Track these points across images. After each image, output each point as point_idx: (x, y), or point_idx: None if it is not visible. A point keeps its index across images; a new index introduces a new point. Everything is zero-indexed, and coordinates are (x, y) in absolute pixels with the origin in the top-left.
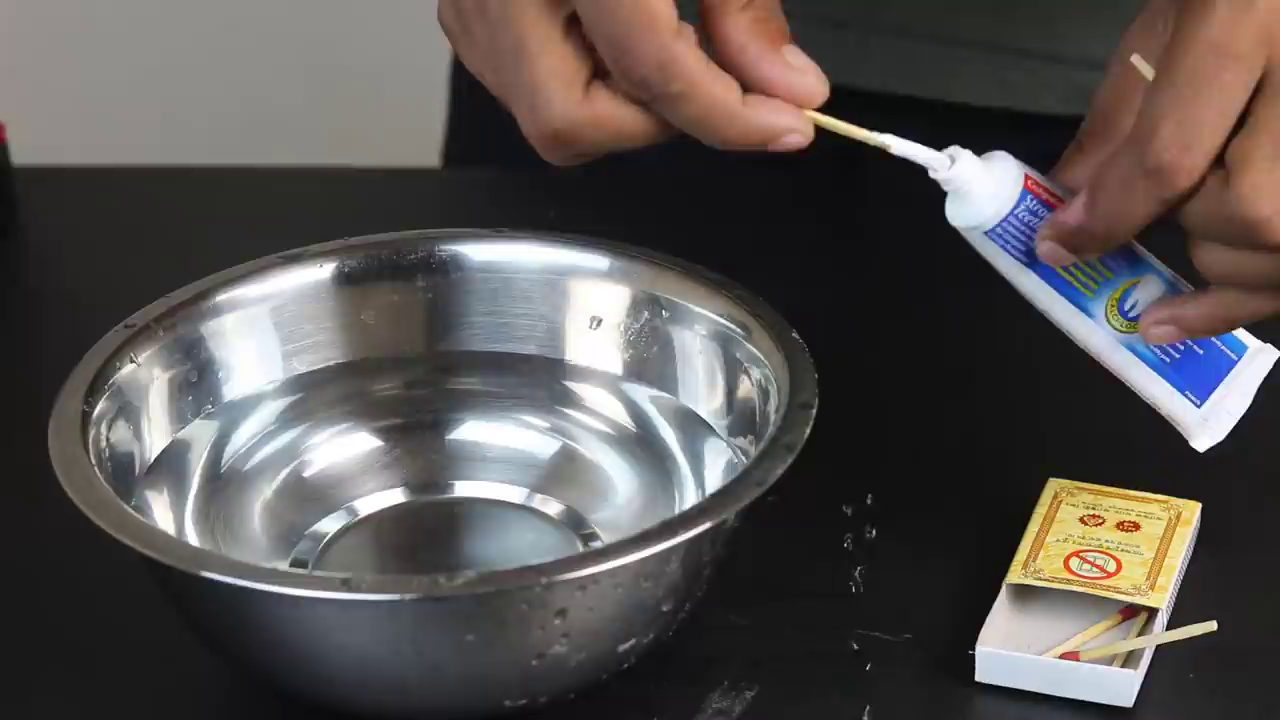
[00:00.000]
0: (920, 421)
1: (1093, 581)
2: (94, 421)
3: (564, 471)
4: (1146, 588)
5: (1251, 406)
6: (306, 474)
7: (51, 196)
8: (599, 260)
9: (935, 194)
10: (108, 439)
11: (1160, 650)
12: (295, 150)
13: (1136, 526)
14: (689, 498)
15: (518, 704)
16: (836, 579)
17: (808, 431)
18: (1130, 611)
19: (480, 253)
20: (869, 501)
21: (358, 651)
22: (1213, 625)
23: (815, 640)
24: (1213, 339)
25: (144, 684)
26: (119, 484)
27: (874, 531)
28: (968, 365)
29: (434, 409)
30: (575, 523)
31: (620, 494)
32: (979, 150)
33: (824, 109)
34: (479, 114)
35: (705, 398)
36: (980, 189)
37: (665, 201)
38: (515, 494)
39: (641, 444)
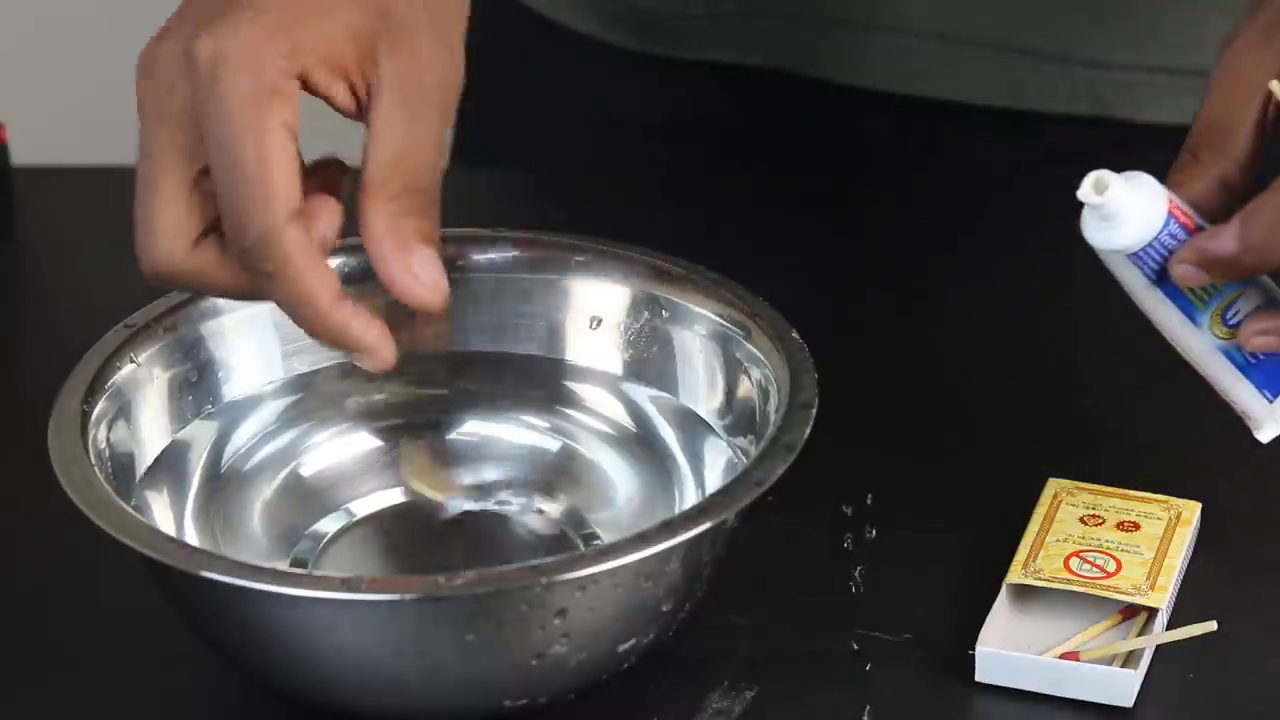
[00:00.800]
0: (920, 421)
1: (1093, 581)
2: (94, 421)
3: (564, 471)
4: (1146, 588)
5: None
6: (306, 474)
7: (51, 196)
8: (599, 260)
9: (935, 194)
10: (108, 439)
11: (1160, 650)
12: None
13: (1136, 526)
14: (689, 498)
15: (518, 704)
16: (836, 579)
17: (808, 431)
18: (1130, 611)
19: (480, 253)
20: (869, 501)
21: (358, 652)
22: (1213, 625)
23: (815, 640)
24: None
25: (144, 684)
26: (119, 484)
27: (874, 531)
28: (968, 365)
29: (434, 409)
30: (575, 523)
31: (620, 494)
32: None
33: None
34: (483, 115)
35: (705, 398)
36: (1130, 213)
37: (665, 201)
38: (515, 494)
39: (641, 444)
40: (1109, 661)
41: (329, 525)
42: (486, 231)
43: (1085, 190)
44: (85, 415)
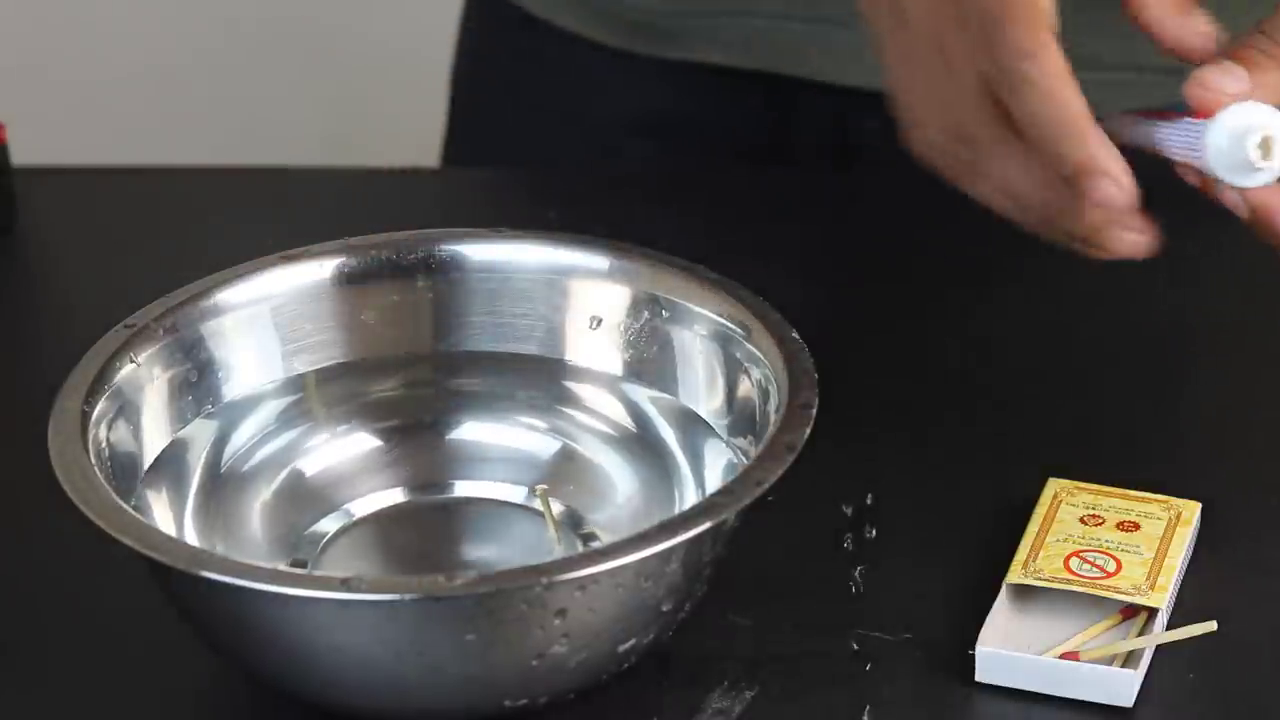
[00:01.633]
0: (920, 421)
1: (1093, 581)
2: (94, 421)
3: (564, 471)
4: (1146, 588)
5: (1252, 407)
6: (306, 474)
7: (51, 196)
8: (599, 260)
9: (935, 194)
10: (108, 439)
11: (1160, 650)
12: (295, 150)
13: (1136, 526)
14: (689, 498)
15: (518, 704)
16: (836, 579)
17: (808, 431)
18: (1130, 611)
19: (480, 253)
20: (869, 501)
21: (358, 652)
22: (1213, 625)
23: (815, 640)
24: None
25: (145, 684)
26: (119, 484)
27: (874, 531)
28: (968, 365)
29: (434, 409)
30: (575, 523)
31: (620, 494)
32: None
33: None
34: (479, 115)
35: (705, 398)
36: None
37: (665, 201)
38: (515, 494)
39: (641, 444)
40: (1109, 661)
41: (329, 525)
42: (486, 231)
43: (1251, 146)
44: (85, 415)
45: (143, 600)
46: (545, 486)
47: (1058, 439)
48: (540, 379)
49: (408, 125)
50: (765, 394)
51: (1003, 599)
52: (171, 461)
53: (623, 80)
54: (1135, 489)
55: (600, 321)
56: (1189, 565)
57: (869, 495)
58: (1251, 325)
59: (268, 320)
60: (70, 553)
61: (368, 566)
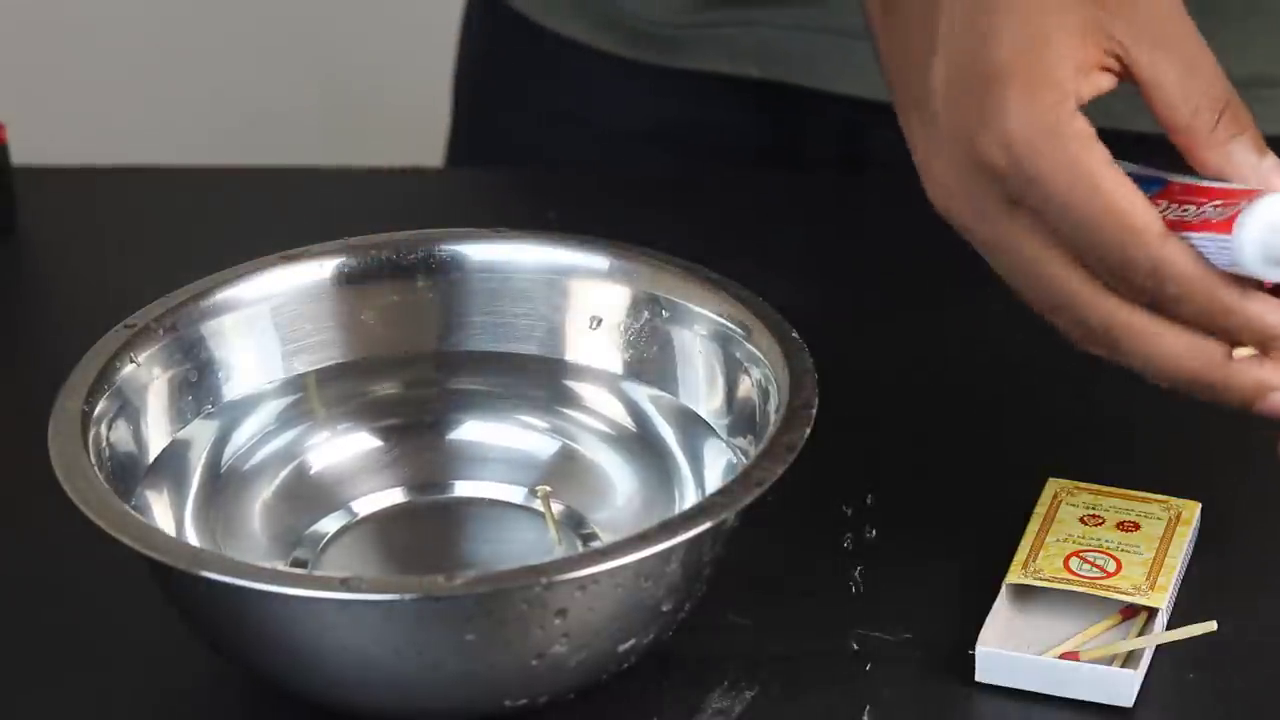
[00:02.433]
0: (920, 421)
1: (1093, 581)
2: (94, 421)
3: (564, 471)
4: (1146, 588)
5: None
6: (306, 474)
7: (51, 196)
8: (599, 260)
9: None
10: (108, 439)
11: (1160, 650)
12: (295, 150)
13: (1136, 526)
14: (689, 498)
15: (518, 704)
16: (836, 579)
17: (808, 431)
18: (1130, 611)
19: (480, 253)
20: (869, 501)
21: (358, 651)
22: (1213, 625)
23: (815, 640)
24: None
25: (144, 684)
26: (119, 484)
27: (874, 531)
28: (968, 365)
29: (434, 409)
30: (575, 523)
31: (620, 494)
32: None
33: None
34: (484, 120)
35: (705, 398)
36: None
37: (665, 201)
38: (515, 494)
39: (641, 444)
40: (1109, 661)
41: (329, 525)
42: (486, 231)
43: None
44: (85, 415)
45: (143, 600)
46: (548, 488)
47: (1058, 439)
48: (540, 379)
49: (409, 126)
50: (765, 394)
51: (1003, 599)
52: (171, 461)
53: (631, 89)
54: (1135, 489)
55: (600, 321)
56: (1189, 565)
57: (869, 495)
58: None
59: (268, 320)
60: (70, 553)
61: (368, 566)
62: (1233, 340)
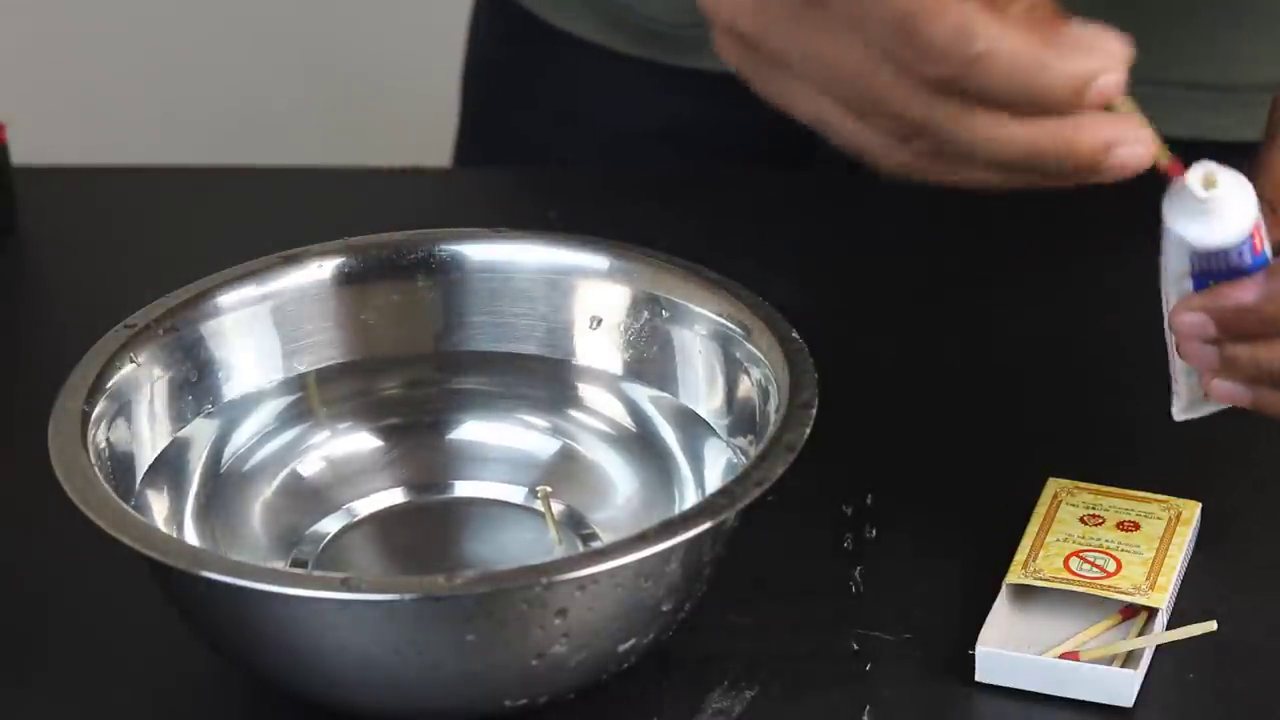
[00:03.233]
0: (920, 421)
1: (1093, 581)
2: (94, 421)
3: (564, 471)
4: (1146, 588)
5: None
6: (306, 474)
7: (51, 196)
8: (599, 260)
9: (936, 195)
10: (108, 439)
11: (1160, 650)
12: (296, 150)
13: (1136, 526)
14: (689, 498)
15: (518, 704)
16: (836, 579)
17: (808, 431)
18: (1130, 611)
19: (480, 253)
20: (869, 501)
21: (358, 651)
22: (1213, 625)
23: (815, 640)
24: None
25: (144, 684)
26: (119, 484)
27: (874, 531)
28: (968, 365)
29: (434, 409)
30: (575, 523)
31: (620, 494)
32: None
33: None
34: (491, 120)
35: (705, 398)
36: (1221, 217)
37: (665, 201)
38: (515, 494)
39: (641, 444)
40: (1109, 661)
41: (329, 525)
42: (487, 231)
43: (1193, 181)
44: (85, 415)
45: (143, 600)
46: (548, 488)
47: (1058, 439)
48: (540, 379)
49: (410, 126)
50: (765, 394)
51: (1003, 599)
52: (171, 461)
53: (641, 88)
54: (1135, 489)
55: (600, 321)
56: (1189, 565)
57: (869, 495)
58: None
59: (268, 320)
60: (70, 553)
61: (368, 566)
62: (1049, 106)
